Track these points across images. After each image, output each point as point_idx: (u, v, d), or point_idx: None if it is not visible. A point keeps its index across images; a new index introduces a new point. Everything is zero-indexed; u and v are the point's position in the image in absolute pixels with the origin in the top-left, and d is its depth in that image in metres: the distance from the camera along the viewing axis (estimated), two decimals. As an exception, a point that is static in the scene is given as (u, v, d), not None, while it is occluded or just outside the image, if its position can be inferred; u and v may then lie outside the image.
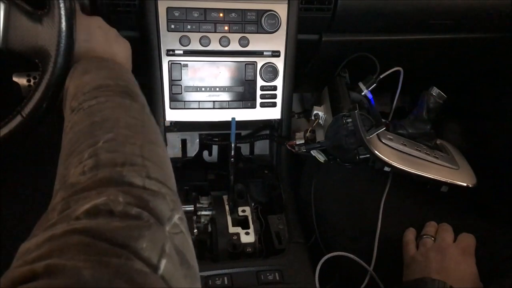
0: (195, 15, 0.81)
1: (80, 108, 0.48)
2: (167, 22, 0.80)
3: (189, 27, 0.81)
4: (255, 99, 0.87)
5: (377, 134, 0.78)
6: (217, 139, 0.96)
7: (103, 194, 0.35)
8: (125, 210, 0.34)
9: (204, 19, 0.81)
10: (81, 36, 0.60)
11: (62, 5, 0.56)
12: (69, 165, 0.41)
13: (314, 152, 0.85)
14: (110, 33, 0.65)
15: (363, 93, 0.87)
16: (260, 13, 0.83)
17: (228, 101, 0.86)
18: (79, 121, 0.46)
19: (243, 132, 0.99)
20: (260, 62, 0.85)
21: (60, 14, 0.56)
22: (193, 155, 0.99)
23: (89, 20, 0.64)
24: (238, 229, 0.82)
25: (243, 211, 0.85)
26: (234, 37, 0.83)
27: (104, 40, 0.63)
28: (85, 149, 0.41)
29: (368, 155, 0.78)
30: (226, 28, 0.82)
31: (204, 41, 0.82)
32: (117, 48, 0.64)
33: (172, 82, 0.83)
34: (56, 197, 0.38)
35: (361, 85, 0.87)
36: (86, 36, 0.61)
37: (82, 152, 0.41)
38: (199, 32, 0.82)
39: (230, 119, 0.84)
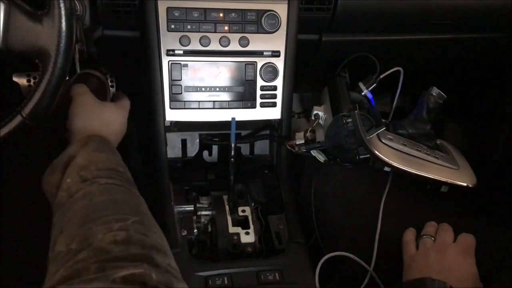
0: (195, 15, 0.81)
1: (95, 181, 0.53)
2: (167, 22, 0.80)
3: (189, 27, 0.81)
4: (255, 99, 0.87)
5: (377, 134, 0.78)
6: (217, 139, 0.96)
7: (139, 267, 0.42)
8: (156, 286, 0.41)
9: (204, 19, 0.81)
10: (81, 117, 0.68)
11: (62, 5, 0.56)
12: (91, 229, 0.46)
13: (314, 152, 0.85)
14: (103, 115, 0.72)
15: (363, 93, 0.87)
16: (260, 13, 0.83)
17: (228, 101, 0.86)
18: (97, 193, 0.51)
19: (243, 132, 0.99)
20: (260, 62, 0.85)
21: (60, 14, 0.56)
22: (193, 155, 0.99)
23: (81, 103, 0.72)
24: (238, 229, 0.82)
25: (243, 211, 0.85)
26: (234, 37, 0.83)
27: (102, 123, 0.70)
28: (112, 221, 0.47)
29: (368, 155, 0.78)
30: (226, 28, 0.82)
31: (204, 41, 0.82)
32: (112, 129, 0.72)
33: (172, 82, 0.83)
34: (77, 254, 0.43)
35: (361, 85, 0.87)
36: (84, 118, 0.69)
37: (109, 222, 0.47)
38: (199, 32, 0.82)
39: (230, 119, 0.84)
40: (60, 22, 0.56)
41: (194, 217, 0.84)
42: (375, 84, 0.87)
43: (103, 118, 0.71)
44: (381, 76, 0.87)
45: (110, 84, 1.30)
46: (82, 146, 0.61)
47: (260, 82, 0.86)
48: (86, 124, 0.68)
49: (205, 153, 1.00)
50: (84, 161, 0.57)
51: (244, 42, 0.83)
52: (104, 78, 1.27)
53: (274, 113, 0.89)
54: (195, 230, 0.82)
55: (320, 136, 0.85)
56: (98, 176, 0.54)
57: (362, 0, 0.87)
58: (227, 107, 0.86)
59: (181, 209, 0.84)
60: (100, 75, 1.24)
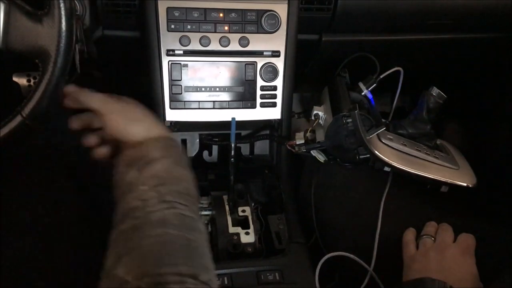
0: (195, 15, 0.81)
1: (174, 207, 0.51)
2: (167, 22, 0.80)
3: (189, 27, 0.81)
4: (255, 99, 0.87)
5: (377, 134, 0.78)
6: (217, 139, 0.96)
7: None
8: None
9: (204, 19, 0.81)
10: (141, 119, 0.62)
11: (62, 5, 0.56)
12: (164, 277, 0.45)
13: (314, 152, 0.85)
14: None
15: (363, 93, 0.87)
16: (260, 13, 0.83)
17: (228, 101, 0.86)
18: (173, 225, 0.50)
19: (243, 132, 0.99)
20: (260, 62, 0.85)
21: (60, 14, 0.56)
22: (193, 155, 0.99)
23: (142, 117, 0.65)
24: (238, 229, 0.82)
25: (243, 211, 0.85)
26: (234, 37, 0.83)
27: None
28: (186, 275, 0.46)
29: (368, 155, 0.78)
30: (226, 28, 0.82)
31: (204, 41, 0.82)
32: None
33: (172, 82, 0.83)
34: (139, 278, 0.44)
35: (361, 85, 0.87)
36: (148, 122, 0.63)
37: (183, 275, 0.45)
38: (199, 32, 0.82)
39: (230, 119, 0.84)
40: (60, 22, 0.56)
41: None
42: (375, 84, 0.87)
43: (151, 118, 0.65)
44: (381, 76, 0.87)
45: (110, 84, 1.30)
46: (163, 151, 0.58)
47: (260, 82, 0.86)
48: (146, 122, 0.63)
49: (205, 153, 1.00)
50: (164, 173, 0.55)
51: (244, 42, 0.83)
52: (104, 78, 1.27)
53: (274, 113, 0.89)
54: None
55: (320, 136, 0.85)
56: (177, 202, 0.52)
57: (362, 0, 0.87)
58: (227, 107, 0.86)
59: None
60: (100, 75, 1.24)
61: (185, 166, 0.58)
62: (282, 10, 0.83)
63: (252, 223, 0.83)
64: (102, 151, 0.66)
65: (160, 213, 0.50)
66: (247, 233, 0.82)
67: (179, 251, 0.48)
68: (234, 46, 0.83)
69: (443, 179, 0.80)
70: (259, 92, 0.87)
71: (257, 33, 0.84)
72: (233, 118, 0.83)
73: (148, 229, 0.49)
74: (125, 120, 0.62)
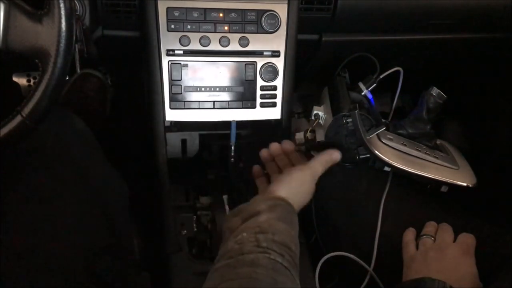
0: (195, 15, 0.81)
1: (268, 252, 0.54)
2: (167, 22, 0.80)
3: (189, 27, 0.81)
4: (255, 99, 0.87)
5: (377, 134, 0.78)
6: (217, 139, 0.96)
7: None
8: None
9: (204, 19, 0.81)
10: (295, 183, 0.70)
11: (62, 5, 0.56)
12: None
13: (314, 152, 0.85)
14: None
15: (363, 93, 0.87)
16: (260, 13, 0.83)
17: (228, 101, 0.86)
18: (263, 267, 0.51)
19: (243, 132, 0.99)
20: (260, 62, 0.85)
21: (60, 14, 0.56)
22: (193, 155, 0.99)
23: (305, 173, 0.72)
24: (238, 229, 0.82)
25: (243, 211, 0.85)
26: (234, 37, 0.83)
27: (303, 195, 0.71)
28: None
29: (368, 155, 0.78)
30: (226, 28, 0.82)
31: (204, 41, 0.82)
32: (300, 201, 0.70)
33: (172, 82, 0.83)
34: None
35: (361, 85, 0.87)
36: (298, 185, 0.70)
37: None
38: (199, 32, 0.82)
39: (230, 119, 0.84)
40: (60, 22, 0.56)
41: (194, 217, 0.84)
42: (375, 84, 0.87)
43: (294, 185, 0.70)
44: (381, 76, 0.87)
45: (110, 84, 1.30)
46: (270, 207, 0.62)
47: (260, 82, 0.86)
48: (279, 188, 0.68)
49: (205, 153, 1.00)
50: (265, 224, 0.58)
51: (244, 42, 0.83)
52: (104, 78, 1.27)
53: (274, 113, 0.89)
54: (195, 230, 0.82)
55: (320, 136, 0.85)
56: (271, 249, 0.55)
57: (362, 0, 0.87)
58: (227, 107, 0.86)
59: (181, 209, 0.84)
60: (100, 75, 1.25)
61: (289, 223, 0.61)
62: (282, 10, 0.83)
63: (252, 223, 0.83)
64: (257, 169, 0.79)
65: (253, 255, 0.53)
66: (247, 233, 0.81)
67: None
68: (234, 46, 0.83)
69: (443, 179, 0.80)
70: (259, 92, 0.87)
71: (257, 33, 0.84)
72: (234, 121, 0.83)
73: (239, 268, 0.52)
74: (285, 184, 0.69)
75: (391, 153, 0.79)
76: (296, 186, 0.70)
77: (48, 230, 0.66)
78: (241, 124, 0.88)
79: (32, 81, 1.26)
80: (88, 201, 0.73)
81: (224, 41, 0.83)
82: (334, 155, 0.75)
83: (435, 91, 0.82)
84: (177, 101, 0.84)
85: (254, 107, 0.87)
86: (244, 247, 0.54)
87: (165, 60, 0.82)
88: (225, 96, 0.86)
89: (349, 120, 0.78)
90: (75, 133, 0.81)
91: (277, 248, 0.55)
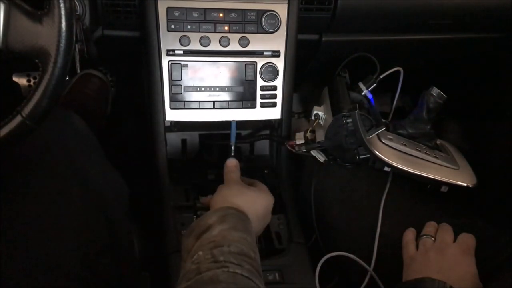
0: (195, 15, 0.81)
1: (225, 266, 0.53)
2: (167, 22, 0.80)
3: (189, 27, 0.81)
4: (255, 99, 0.87)
5: (377, 134, 0.78)
6: (217, 139, 0.96)
7: None
8: None
9: (204, 19, 0.81)
10: (235, 193, 0.70)
11: (62, 5, 0.56)
12: None
13: (314, 152, 0.85)
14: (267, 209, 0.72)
15: (363, 93, 0.87)
16: (260, 13, 0.83)
17: (228, 101, 0.86)
18: (224, 282, 0.51)
19: (243, 132, 0.99)
20: (260, 62, 0.85)
21: (60, 14, 0.56)
22: (193, 155, 0.99)
23: (259, 193, 0.73)
24: (238, 229, 0.82)
25: (243, 211, 0.85)
26: (234, 37, 0.83)
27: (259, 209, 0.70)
28: None
29: (368, 155, 0.78)
30: (226, 28, 0.82)
31: (204, 41, 0.82)
32: (261, 221, 0.71)
33: (172, 82, 0.83)
34: None
35: (361, 85, 0.87)
36: (237, 192, 0.70)
37: None
38: (199, 32, 0.82)
39: (230, 119, 0.84)
40: (60, 22, 0.56)
41: (194, 217, 0.84)
42: (375, 84, 0.87)
43: (247, 195, 0.71)
44: (381, 76, 0.87)
45: (110, 84, 1.31)
46: (220, 218, 0.61)
47: (260, 82, 0.86)
48: (227, 197, 0.69)
49: (205, 153, 1.00)
50: (219, 238, 0.58)
51: (244, 42, 0.83)
52: (105, 78, 1.28)
53: (274, 113, 0.89)
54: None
55: (320, 136, 0.85)
56: (229, 261, 0.54)
57: (362, 0, 0.87)
58: (227, 107, 0.86)
59: (181, 209, 0.84)
60: (101, 75, 1.25)
61: (243, 230, 0.61)
62: (282, 10, 0.83)
63: (252, 223, 0.83)
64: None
65: (211, 273, 0.52)
66: (247, 233, 0.81)
67: None
68: (234, 46, 0.83)
69: (443, 179, 0.80)
70: (259, 92, 0.87)
71: (257, 33, 0.84)
72: (234, 121, 0.83)
73: (197, 286, 0.51)
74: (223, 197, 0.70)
75: (391, 153, 0.79)
76: (236, 192, 0.71)
77: (48, 230, 0.66)
78: (241, 124, 0.88)
79: (32, 81, 1.26)
80: (88, 201, 0.73)
81: (224, 41, 0.83)
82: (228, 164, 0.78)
83: (435, 91, 0.82)
84: (177, 101, 0.84)
85: (254, 107, 0.87)
86: (201, 266, 0.54)
87: (165, 60, 0.82)
88: (225, 96, 0.86)
89: (349, 120, 0.78)
90: (76, 133, 0.81)
91: (235, 259, 0.55)
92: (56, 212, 0.68)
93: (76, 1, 0.76)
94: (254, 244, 0.61)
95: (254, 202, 0.70)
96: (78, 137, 0.81)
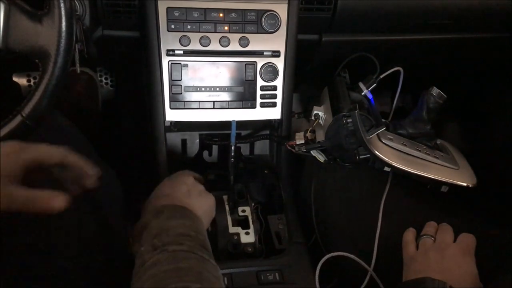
0: (195, 15, 0.81)
1: (165, 249, 0.55)
2: (167, 22, 0.80)
3: (189, 27, 0.81)
4: (255, 99, 0.87)
5: (377, 134, 0.78)
6: (217, 139, 0.96)
7: None
8: None
9: (204, 19, 0.81)
10: (166, 188, 0.71)
11: (62, 5, 0.56)
12: None
13: (314, 152, 0.85)
14: (194, 189, 0.73)
15: (363, 93, 0.87)
16: (260, 13, 0.83)
17: (228, 101, 0.86)
18: (165, 261, 0.54)
19: (243, 132, 0.99)
20: (260, 62, 0.85)
21: (60, 14, 0.56)
22: (193, 155, 0.99)
23: (176, 176, 0.75)
24: (238, 229, 0.82)
25: (243, 211, 0.85)
26: (234, 37, 0.83)
27: (187, 194, 0.70)
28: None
29: (368, 155, 0.78)
30: (226, 28, 0.82)
31: (204, 41, 0.82)
32: (198, 202, 0.71)
33: (172, 82, 0.83)
34: None
35: (361, 85, 0.87)
36: (170, 190, 0.71)
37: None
38: (199, 32, 0.82)
39: (230, 119, 0.84)
40: (60, 22, 0.56)
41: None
42: (375, 84, 0.87)
43: (165, 186, 0.72)
44: (381, 76, 0.87)
45: (107, 82, 1.30)
46: (156, 214, 0.63)
47: (260, 82, 0.86)
48: (167, 192, 0.70)
49: (205, 153, 1.00)
50: (156, 230, 0.59)
51: (244, 42, 0.83)
52: (93, 74, 1.27)
53: (274, 113, 0.89)
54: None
55: (320, 136, 0.85)
56: (168, 243, 0.56)
57: (362, 0, 0.87)
58: (227, 107, 0.86)
59: None
60: (89, 71, 1.24)
61: (181, 217, 0.63)
62: (282, 10, 0.83)
63: (252, 223, 0.83)
64: None
65: (153, 259, 0.54)
66: (247, 233, 0.82)
67: (167, 277, 0.51)
68: (234, 46, 0.83)
69: (443, 179, 0.80)
70: (259, 92, 0.87)
71: (257, 33, 0.84)
72: (234, 121, 0.83)
73: (144, 275, 0.53)
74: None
75: (391, 153, 0.79)
76: (160, 188, 0.72)
77: (42, 231, 0.66)
78: (241, 124, 0.88)
79: (32, 81, 1.26)
80: (81, 201, 0.72)
81: (224, 41, 0.83)
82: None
83: (435, 91, 0.82)
84: (177, 101, 0.84)
85: (254, 107, 0.87)
86: (145, 257, 0.55)
87: (165, 60, 0.82)
88: (225, 96, 0.86)
89: (349, 120, 0.78)
90: (60, 132, 0.80)
91: (174, 241, 0.56)
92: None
93: (76, 1, 0.76)
94: (198, 226, 0.63)
95: (173, 185, 0.72)
96: (63, 135, 0.80)
